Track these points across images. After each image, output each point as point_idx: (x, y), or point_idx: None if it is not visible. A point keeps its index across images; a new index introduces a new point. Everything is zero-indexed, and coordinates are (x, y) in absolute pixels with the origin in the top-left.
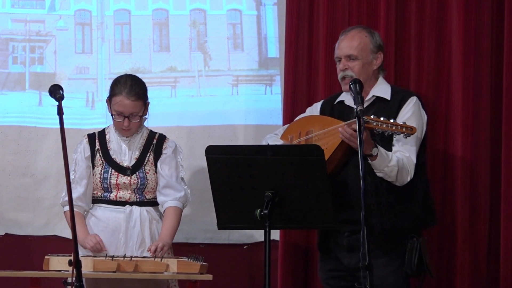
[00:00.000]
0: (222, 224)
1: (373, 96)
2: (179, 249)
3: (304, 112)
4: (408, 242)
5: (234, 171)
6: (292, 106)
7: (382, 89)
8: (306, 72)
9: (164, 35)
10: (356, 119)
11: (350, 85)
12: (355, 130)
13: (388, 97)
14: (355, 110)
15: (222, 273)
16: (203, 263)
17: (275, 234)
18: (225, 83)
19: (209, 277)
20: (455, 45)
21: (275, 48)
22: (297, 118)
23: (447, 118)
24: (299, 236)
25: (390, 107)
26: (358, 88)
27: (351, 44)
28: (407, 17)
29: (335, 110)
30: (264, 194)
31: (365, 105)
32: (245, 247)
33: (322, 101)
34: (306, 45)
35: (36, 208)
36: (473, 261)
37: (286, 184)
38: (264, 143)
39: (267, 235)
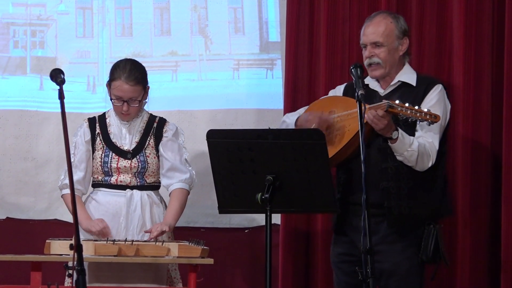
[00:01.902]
0: (223, 208)
1: (399, 81)
2: (180, 233)
3: (304, 95)
4: (425, 228)
5: (235, 155)
6: (293, 90)
7: (408, 75)
8: (307, 56)
9: (165, 19)
10: (358, 104)
11: (351, 69)
12: (380, 115)
13: (414, 83)
14: (356, 94)
15: (223, 257)
16: (204, 247)
17: (276, 218)
18: (226, 67)
19: (210, 261)
20: (456, 29)
21: (276, 32)
22: (321, 98)
23: None
24: (300, 220)
25: (415, 93)
26: (359, 72)
27: (376, 31)
28: (408, 1)
29: None
30: (265, 178)
31: (390, 90)
32: (246, 231)
33: (345, 84)
34: (307, 29)
35: (37, 192)
36: (474, 246)
37: (287, 168)
38: (283, 120)
39: (268, 219)
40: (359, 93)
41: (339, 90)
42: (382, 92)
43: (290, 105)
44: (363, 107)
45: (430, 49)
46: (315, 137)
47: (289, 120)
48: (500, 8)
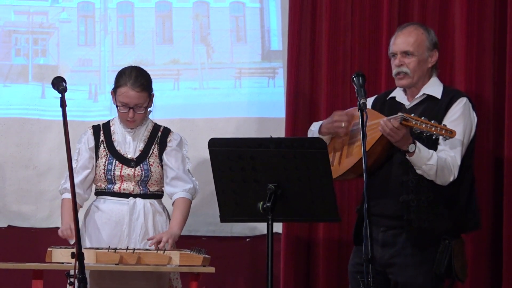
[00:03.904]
0: (225, 216)
1: (424, 94)
2: (181, 242)
3: (306, 104)
4: (441, 243)
5: (237, 163)
6: (295, 99)
7: (433, 88)
8: (308, 64)
9: (167, 28)
10: (359, 112)
11: (353, 78)
12: (395, 126)
13: (439, 96)
14: (358, 103)
15: (225, 265)
16: (206, 256)
17: (278, 227)
18: (228, 76)
19: (212, 269)
20: (458, 38)
21: (278, 41)
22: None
23: None
24: (302, 229)
25: (439, 106)
26: (361, 81)
27: (407, 40)
28: (410, 11)
29: (385, 106)
30: (267, 186)
31: (415, 103)
32: (247, 239)
33: (375, 96)
34: (309, 37)
35: (39, 200)
36: (475, 253)
37: (288, 177)
38: (310, 128)
39: (269, 228)
40: (360, 102)
41: (368, 103)
42: (407, 104)
43: (292, 114)
44: (365, 116)
45: None
46: (317, 145)
47: (314, 128)
48: (502, 17)
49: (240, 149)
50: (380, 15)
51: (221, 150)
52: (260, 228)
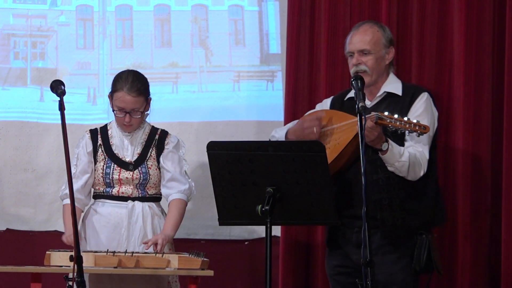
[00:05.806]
0: (224, 220)
1: (384, 92)
2: (180, 245)
3: (304, 107)
4: (418, 238)
5: (236, 167)
6: (294, 102)
7: (393, 85)
8: (307, 68)
9: (165, 31)
10: (358, 116)
11: (351, 82)
12: (369, 126)
13: (400, 93)
14: (356, 106)
15: (223, 269)
16: (204, 259)
17: (276, 230)
18: (226, 79)
19: (210, 273)
20: (457, 41)
21: (277, 44)
22: (309, 112)
23: (448, 114)
24: (300, 232)
25: (401, 103)
26: (359, 85)
27: (364, 39)
28: (409, 13)
29: (344, 106)
30: (266, 190)
31: (376, 101)
32: (246, 243)
33: (332, 97)
34: (308, 41)
35: (37, 203)
36: (474, 257)
37: (287, 180)
38: (272, 134)
39: (268, 231)
40: (359, 105)
41: (325, 104)
42: (369, 104)
43: (291, 117)
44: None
45: (430, 61)
46: (316, 148)
47: (278, 135)
48: (500, 20)
49: (238, 152)
50: (379, 19)
51: (220, 153)
52: (259, 231)
